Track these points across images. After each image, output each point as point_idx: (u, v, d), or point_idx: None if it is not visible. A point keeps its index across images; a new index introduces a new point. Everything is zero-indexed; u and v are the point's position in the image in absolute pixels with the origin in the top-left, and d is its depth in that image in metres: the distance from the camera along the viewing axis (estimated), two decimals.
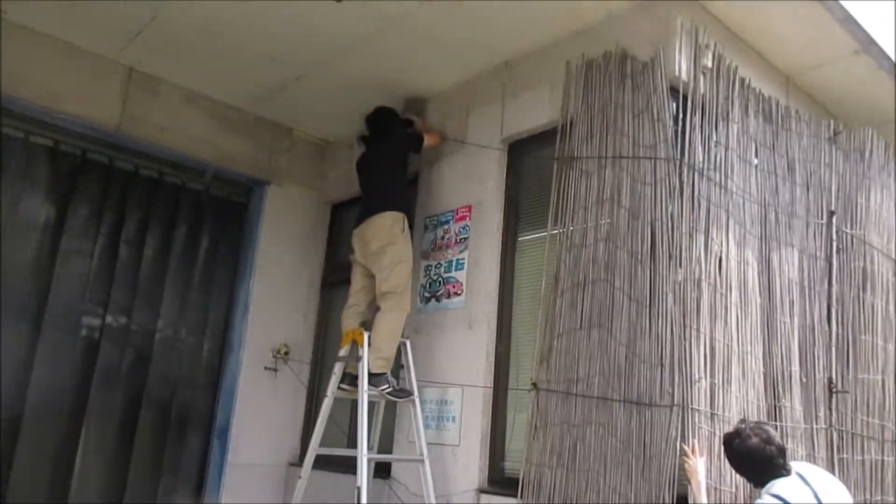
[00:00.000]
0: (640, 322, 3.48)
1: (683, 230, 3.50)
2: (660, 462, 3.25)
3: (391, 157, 4.73)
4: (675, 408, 3.28)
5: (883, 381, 4.43)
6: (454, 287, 4.56)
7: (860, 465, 4.13)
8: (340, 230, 5.96)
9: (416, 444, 4.23)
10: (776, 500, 2.82)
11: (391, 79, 5.05)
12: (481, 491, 4.10)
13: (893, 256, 4.74)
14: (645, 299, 3.49)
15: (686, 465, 3.16)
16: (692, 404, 3.28)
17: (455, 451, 4.29)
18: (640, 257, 3.55)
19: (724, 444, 2.99)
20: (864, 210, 4.52)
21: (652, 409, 3.34)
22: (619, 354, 3.53)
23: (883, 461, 4.33)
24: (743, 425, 2.96)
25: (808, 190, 4.28)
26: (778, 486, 2.85)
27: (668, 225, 3.51)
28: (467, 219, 4.62)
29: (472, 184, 4.68)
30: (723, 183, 3.72)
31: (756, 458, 2.87)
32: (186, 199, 5.70)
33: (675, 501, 3.17)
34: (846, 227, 4.40)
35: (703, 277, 3.49)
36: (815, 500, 2.84)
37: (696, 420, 3.29)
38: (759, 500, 2.89)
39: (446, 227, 4.76)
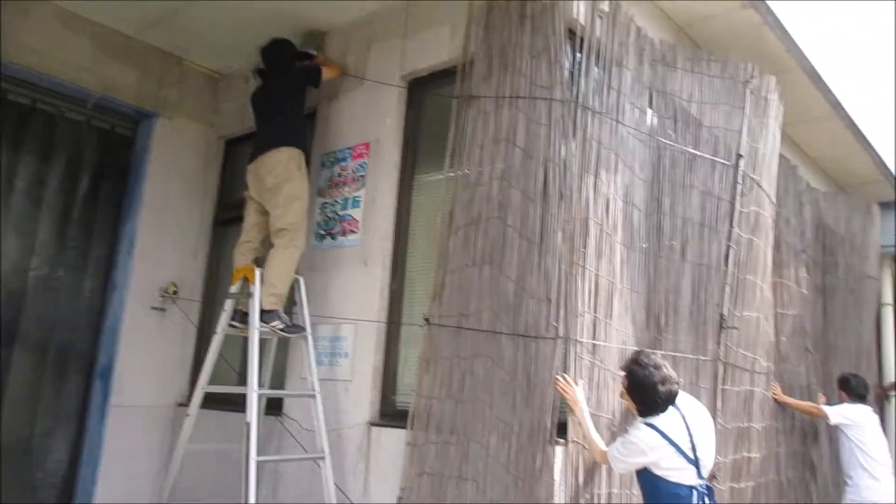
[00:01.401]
0: (530, 259, 3.58)
1: (574, 171, 3.60)
2: (543, 391, 3.39)
3: (288, 91, 4.59)
4: (559, 340, 3.42)
5: (758, 318, 4.77)
6: (350, 225, 4.53)
7: (736, 395, 4.46)
8: (234, 167, 5.77)
9: (308, 379, 4.23)
10: (650, 429, 3.05)
11: (289, 10, 4.87)
12: (372, 424, 4.16)
13: (774, 201, 5.06)
14: (535, 237, 3.59)
15: (566, 396, 3.31)
16: (575, 337, 3.44)
17: (347, 386, 4.33)
18: (532, 196, 3.64)
19: (629, 370, 3.14)
20: (762, 156, 4.77)
21: (538, 342, 3.47)
22: (509, 290, 3.63)
23: (752, 391, 4.70)
24: (647, 359, 3.11)
25: (716, 133, 4.45)
26: (659, 420, 3.07)
27: (560, 166, 3.61)
28: (365, 156, 4.58)
29: (371, 121, 4.62)
30: (614, 127, 3.84)
31: (653, 393, 3.05)
32: (65, 129, 5.34)
33: (556, 427, 3.32)
34: (750, 172, 4.62)
35: (591, 217, 3.62)
36: (687, 433, 3.09)
37: (579, 352, 3.44)
38: (634, 430, 3.12)
39: (343, 164, 4.70)
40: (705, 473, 3.11)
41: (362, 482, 4.10)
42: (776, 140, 5.06)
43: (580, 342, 3.46)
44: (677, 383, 3.12)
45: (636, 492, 3.68)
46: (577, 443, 3.37)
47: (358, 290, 4.41)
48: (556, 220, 3.56)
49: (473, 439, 3.59)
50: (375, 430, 4.13)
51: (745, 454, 4.58)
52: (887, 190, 7.40)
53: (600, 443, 3.29)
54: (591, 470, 3.44)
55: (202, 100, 5.89)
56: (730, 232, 4.36)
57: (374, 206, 4.47)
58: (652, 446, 3.03)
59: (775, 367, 5.47)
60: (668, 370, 3.11)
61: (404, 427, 3.86)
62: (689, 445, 3.08)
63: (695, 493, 3.03)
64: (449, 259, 3.89)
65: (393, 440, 4.00)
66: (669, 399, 3.09)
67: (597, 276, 3.62)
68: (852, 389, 5.69)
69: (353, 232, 4.51)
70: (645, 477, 3.11)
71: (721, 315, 4.26)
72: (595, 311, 3.59)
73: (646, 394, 3.08)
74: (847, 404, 5.62)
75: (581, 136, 3.66)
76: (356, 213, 4.52)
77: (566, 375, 3.34)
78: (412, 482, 3.77)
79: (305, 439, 4.36)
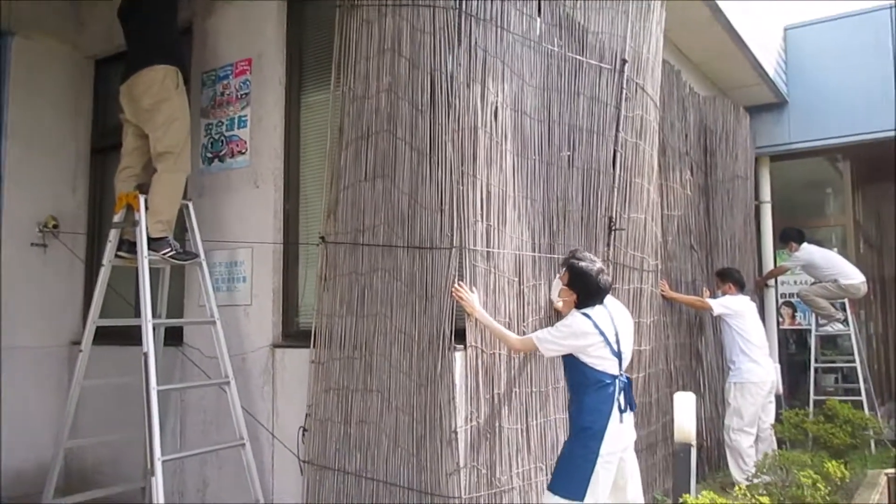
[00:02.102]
0: (422, 170, 3.59)
1: (461, 80, 3.57)
2: (440, 300, 3.46)
3: (157, 3, 4.29)
4: (453, 250, 3.48)
5: (645, 219, 4.98)
6: (238, 146, 4.38)
7: (627, 293, 4.69)
8: (108, 90, 5.40)
9: (207, 306, 4.16)
10: (584, 317, 3.27)
11: None
12: (275, 346, 4.16)
13: (657, 105, 5.22)
14: (425, 148, 3.58)
15: (463, 304, 3.40)
16: (469, 245, 3.50)
17: (248, 310, 4.29)
18: (420, 108, 3.61)
19: (569, 265, 3.38)
20: (645, 61, 4.86)
21: (433, 252, 3.52)
22: (403, 203, 3.64)
23: (640, 289, 4.95)
24: (583, 254, 3.43)
25: (601, 39, 4.48)
26: (591, 311, 3.30)
27: (446, 75, 3.57)
28: (247, 73, 4.39)
29: (251, 35, 4.41)
30: (500, 34, 3.81)
31: (594, 281, 3.31)
32: None
33: (454, 334, 3.42)
34: (634, 77, 4.71)
35: (480, 126, 3.63)
36: (613, 327, 3.30)
37: (473, 260, 3.52)
38: (569, 317, 3.32)
39: (225, 82, 4.49)
40: (625, 365, 3.37)
41: (270, 403, 4.13)
42: (659, 45, 5.17)
43: (474, 250, 3.53)
44: (608, 280, 3.38)
45: (535, 389, 3.89)
46: (476, 347, 3.48)
47: (251, 213, 4.31)
48: (445, 130, 3.54)
49: (376, 352, 3.65)
50: (279, 351, 4.13)
51: (637, 347, 4.87)
52: (766, 93, 7.76)
53: (513, 334, 3.50)
54: (491, 372, 3.58)
55: (62, 16, 5.42)
56: (616, 137, 4.47)
57: (261, 125, 4.32)
58: (584, 331, 3.22)
59: (663, 265, 5.78)
60: (604, 269, 3.37)
61: (308, 346, 3.89)
62: (615, 339, 3.31)
63: (617, 382, 3.27)
64: (341, 175, 3.85)
65: (297, 360, 4.03)
66: (606, 289, 3.36)
67: (488, 184, 3.66)
68: (731, 281, 6.11)
69: (241, 153, 4.36)
70: (573, 365, 3.31)
71: (610, 218, 4.42)
72: (488, 220, 3.65)
73: (588, 282, 3.32)
74: (728, 296, 6.05)
75: (467, 45, 3.61)
76: (243, 134, 4.37)
77: (462, 283, 3.41)
78: (318, 398, 3.83)
79: (210, 367, 4.32)
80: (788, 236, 7.51)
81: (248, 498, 3.96)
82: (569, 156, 4.23)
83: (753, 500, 3.15)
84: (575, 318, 3.29)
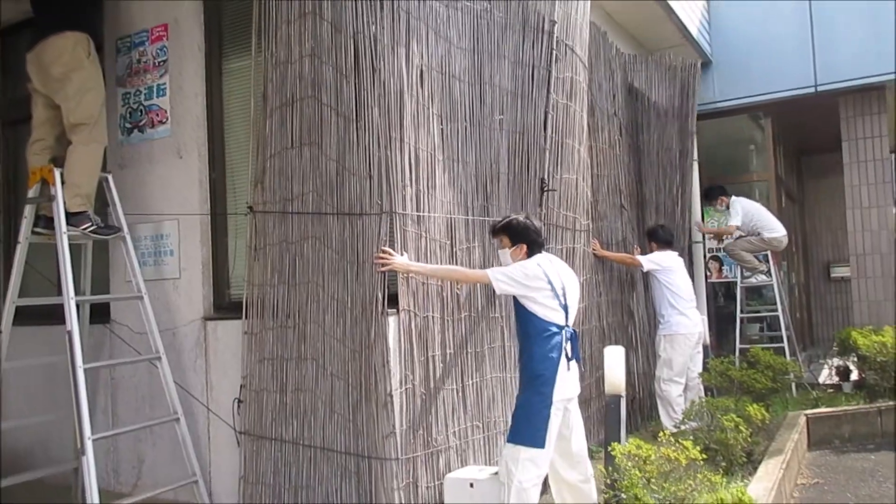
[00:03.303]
0: (349, 136, 3.56)
1: (385, 43, 3.53)
2: (372, 266, 3.47)
3: None
4: (383, 215, 3.48)
5: (577, 180, 5.06)
6: (158, 115, 4.24)
7: (559, 252, 4.77)
8: (16, 58, 5.13)
9: (133, 281, 4.06)
10: (535, 264, 3.38)
11: None
12: (207, 318, 4.11)
13: (586, 65, 5.27)
14: (351, 114, 3.54)
15: (392, 268, 3.41)
16: (399, 210, 3.50)
17: (176, 283, 4.21)
18: (344, 72, 3.56)
19: (518, 222, 3.51)
20: (573, 22, 4.88)
21: (363, 218, 3.51)
22: (331, 169, 3.60)
23: (574, 248, 5.05)
24: (516, 214, 3.61)
25: (529, 1, 4.47)
26: (540, 258, 3.44)
27: (370, 38, 3.52)
28: (164, 39, 4.24)
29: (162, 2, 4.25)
30: None
31: (534, 231, 3.50)
32: None
33: (387, 298, 3.44)
34: (564, 38, 4.72)
35: (406, 90, 3.60)
36: (560, 281, 3.41)
37: (403, 224, 3.52)
38: (526, 261, 3.41)
39: (141, 49, 4.33)
40: (571, 320, 3.47)
41: (203, 376, 4.09)
42: (586, 6, 5.21)
43: (404, 215, 3.54)
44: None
45: (471, 349, 3.95)
46: (409, 311, 3.51)
47: (175, 184, 4.20)
48: (370, 95, 3.51)
49: (309, 320, 3.65)
50: (211, 324, 4.08)
51: None
52: (691, 53, 7.91)
53: (465, 268, 3.65)
54: (425, 334, 3.62)
55: None
56: (547, 98, 4.51)
57: (181, 93, 4.19)
58: (537, 276, 3.34)
59: (594, 224, 5.91)
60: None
61: (240, 318, 3.85)
62: (562, 292, 3.42)
63: (564, 332, 3.38)
64: (267, 144, 3.78)
65: (230, 332, 3.99)
66: (543, 240, 3.53)
67: (416, 148, 3.66)
68: (660, 238, 6.29)
69: (161, 123, 4.23)
70: (524, 315, 3.39)
71: (542, 179, 4.48)
72: (417, 184, 3.65)
73: (529, 233, 3.48)
74: (657, 252, 6.23)
75: (390, 7, 3.56)
76: (163, 103, 4.23)
77: (386, 248, 3.41)
78: (253, 369, 3.82)
79: (141, 343, 4.24)
80: (716, 192, 7.72)
81: (185, 473, 3.93)
82: (501, 119, 4.25)
83: (676, 445, 3.30)
84: (530, 262, 3.41)
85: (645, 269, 6.15)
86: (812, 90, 7.73)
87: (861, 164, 7.90)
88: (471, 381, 3.92)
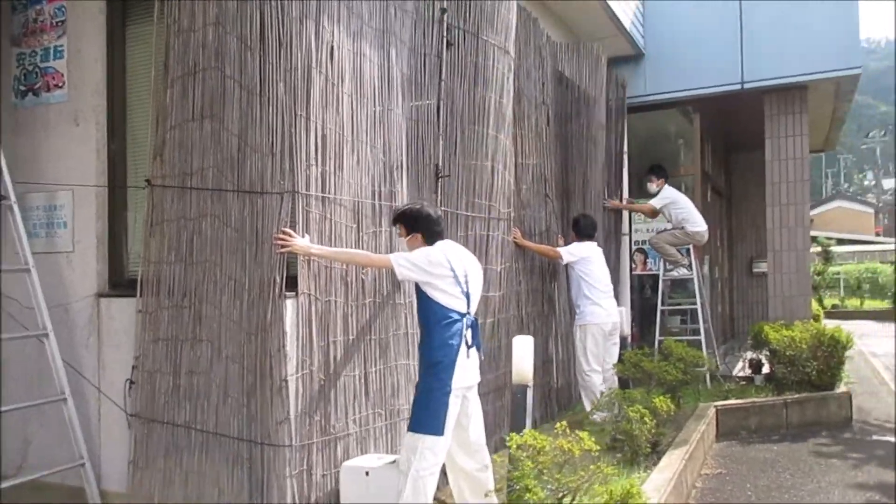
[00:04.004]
0: (252, 111, 3.42)
1: (294, 15, 3.40)
2: (272, 247, 3.35)
3: None
4: (285, 195, 3.36)
5: (492, 167, 5.01)
6: (54, 78, 4.01)
7: (462, 239, 4.72)
8: None
9: (21, 254, 3.83)
10: (437, 249, 3.35)
11: None
12: (101, 295, 3.93)
13: (511, 53, 5.21)
14: (255, 87, 3.41)
15: (293, 249, 3.31)
16: (302, 190, 3.39)
17: (70, 257, 4.01)
18: (249, 44, 3.41)
19: (415, 210, 3.48)
20: (487, 7, 4.81)
21: (263, 197, 3.39)
22: (232, 145, 3.47)
23: (488, 236, 5.01)
24: (413, 202, 3.62)
25: None
26: (443, 245, 3.41)
27: (277, 10, 3.38)
28: None
29: None
30: None
31: (432, 219, 3.45)
32: None
33: (285, 280, 3.33)
34: (460, 24, 4.66)
35: (314, 66, 3.48)
36: (463, 268, 3.38)
37: (306, 205, 3.41)
38: (428, 248, 3.36)
39: (38, 7, 4.07)
40: (473, 308, 3.44)
41: (95, 355, 3.91)
42: None
43: (308, 195, 3.43)
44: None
45: (375, 336, 3.88)
46: (309, 294, 3.41)
47: (72, 153, 3.99)
48: (276, 69, 3.38)
49: (206, 300, 3.52)
50: (105, 301, 3.90)
51: (485, 293, 4.95)
52: (624, 45, 7.96)
53: (367, 252, 3.57)
54: (326, 319, 3.53)
55: None
56: (439, 85, 4.45)
57: (80, 56, 3.97)
58: (439, 262, 3.30)
59: (517, 213, 5.89)
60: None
61: (134, 296, 3.69)
62: (464, 279, 3.39)
63: (464, 319, 3.35)
64: (167, 115, 3.61)
65: (125, 310, 3.83)
66: (443, 227, 3.50)
67: (324, 127, 3.54)
68: (581, 230, 6.34)
69: (58, 87, 4.00)
70: (425, 301, 3.35)
71: (436, 165, 4.43)
72: (323, 164, 3.54)
73: (423, 222, 3.43)
74: (576, 243, 6.28)
75: None
76: (60, 66, 4.00)
77: (287, 230, 3.30)
78: (146, 349, 3.67)
79: (30, 319, 4.01)
80: (661, 171, 7.70)
81: (73, 455, 3.76)
82: (399, 102, 4.15)
83: (572, 436, 3.31)
84: (434, 249, 3.38)
85: (564, 262, 6.19)
86: (739, 87, 7.87)
87: (782, 161, 8.10)
88: (374, 368, 3.85)
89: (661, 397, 4.78)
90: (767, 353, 7.29)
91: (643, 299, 8.99)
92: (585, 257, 6.15)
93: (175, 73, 3.57)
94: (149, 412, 3.62)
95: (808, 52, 7.56)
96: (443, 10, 4.53)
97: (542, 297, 6.37)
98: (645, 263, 8.99)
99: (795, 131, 8.05)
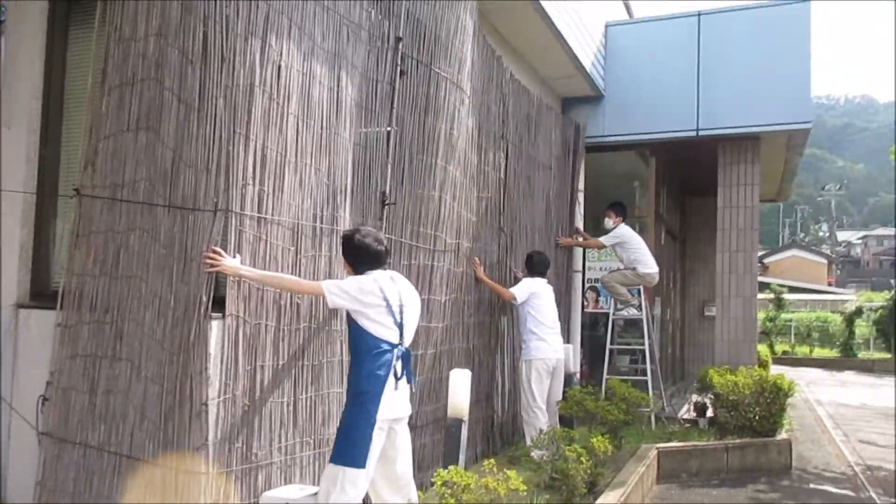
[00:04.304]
0: (189, 125, 3.33)
1: (239, 32, 3.34)
2: (200, 265, 3.25)
3: None
4: (218, 212, 3.27)
5: (440, 197, 4.98)
6: None
7: (406, 269, 4.66)
8: None
9: None
10: (369, 278, 3.27)
11: None
12: (20, 306, 3.76)
13: (464, 87, 5.23)
14: (194, 102, 3.33)
15: (221, 269, 3.20)
16: (236, 209, 3.30)
17: None
18: (191, 57, 3.34)
19: (347, 237, 3.42)
20: (441, 39, 4.82)
21: (195, 214, 3.29)
22: (166, 158, 3.37)
23: (432, 266, 4.96)
24: (358, 227, 3.46)
25: (375, 13, 4.38)
26: (377, 275, 3.31)
27: (222, 25, 3.33)
28: None
29: None
30: None
31: (369, 253, 3.35)
32: None
33: (212, 301, 3.22)
34: (413, 53, 4.67)
35: (258, 84, 3.42)
36: (398, 298, 3.31)
37: (240, 224, 3.32)
38: (360, 276, 3.30)
39: None
40: (407, 339, 3.37)
41: (10, 368, 3.73)
42: (464, 27, 5.18)
43: (242, 214, 3.34)
44: (385, 244, 3.44)
45: (308, 361, 3.78)
46: (237, 316, 3.30)
47: (1, 157, 3.83)
48: (216, 84, 3.31)
49: (128, 317, 3.38)
50: (24, 312, 3.75)
51: (426, 324, 4.89)
52: (584, 85, 8.07)
53: (298, 278, 3.46)
54: (255, 343, 3.42)
55: None
56: (391, 112, 4.44)
57: (17, 57, 3.85)
58: (371, 290, 3.23)
59: (470, 244, 5.86)
60: (378, 235, 3.44)
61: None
62: (399, 309, 3.31)
63: (395, 350, 3.27)
64: (102, 123, 3.51)
65: (45, 322, 3.67)
66: (379, 258, 3.38)
67: (264, 147, 3.47)
68: (534, 266, 6.36)
69: None
70: (356, 330, 3.27)
71: (383, 193, 4.39)
72: (261, 184, 3.46)
73: (354, 250, 3.37)
74: (527, 279, 6.29)
75: None
76: None
77: (217, 248, 3.20)
78: (63, 365, 3.51)
79: None
80: (620, 208, 7.75)
81: None
82: (347, 127, 4.11)
83: (500, 474, 3.23)
84: (366, 277, 3.32)
85: (518, 302, 6.18)
86: (694, 133, 8.02)
87: (733, 209, 8.25)
88: (305, 395, 3.74)
89: (599, 437, 4.74)
90: (712, 396, 7.32)
91: (594, 337, 9.01)
92: (535, 293, 6.15)
93: (113, 82, 3.48)
94: (61, 431, 3.45)
95: (761, 105, 7.75)
96: (398, 39, 4.53)
97: (489, 330, 6.32)
98: (597, 301, 9.03)
99: (747, 180, 8.21)
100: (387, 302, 3.27)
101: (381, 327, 3.26)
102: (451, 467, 3.22)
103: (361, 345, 3.27)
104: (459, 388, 4.14)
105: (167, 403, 3.23)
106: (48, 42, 3.84)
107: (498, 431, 6.37)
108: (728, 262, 8.27)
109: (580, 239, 8.35)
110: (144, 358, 3.32)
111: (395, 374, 3.25)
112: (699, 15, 8.04)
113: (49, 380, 3.50)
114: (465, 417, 4.13)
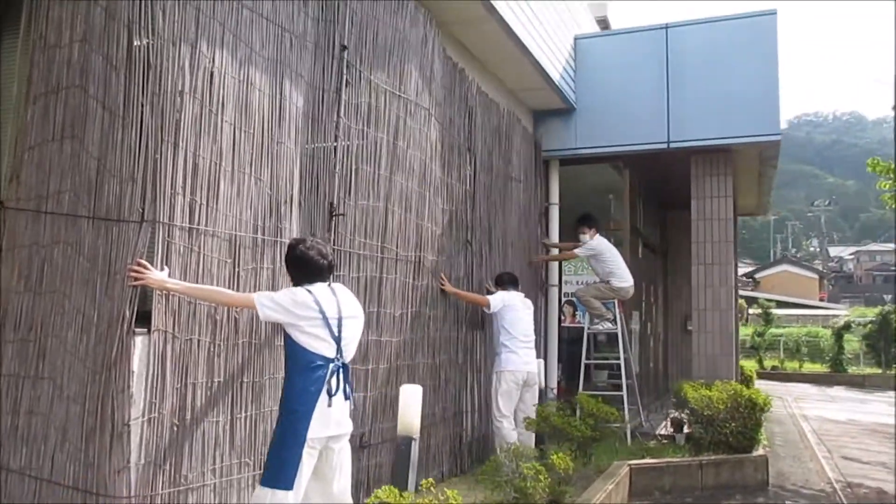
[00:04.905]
0: (113, 133, 3.22)
1: (165, 38, 3.24)
2: (124, 278, 3.12)
3: None
4: (144, 223, 3.14)
5: (387, 207, 4.87)
6: None
7: (356, 280, 4.54)
8: None
9: None
10: (304, 290, 3.16)
11: None
12: None
13: (409, 97, 5.15)
14: (118, 109, 3.21)
15: (147, 282, 3.07)
16: (164, 219, 3.18)
17: None
18: (115, 63, 3.23)
19: (290, 247, 3.34)
20: (373, 47, 4.75)
21: (120, 225, 3.17)
22: (91, 168, 3.25)
23: (381, 277, 4.83)
24: (310, 239, 3.39)
25: (319, 21, 4.30)
26: (314, 287, 3.19)
27: (147, 30, 3.23)
28: None
29: None
30: None
31: (309, 265, 3.24)
32: None
33: (135, 316, 3.08)
34: (357, 63, 4.58)
35: (187, 91, 3.31)
36: (337, 311, 3.20)
37: (167, 235, 3.20)
38: (295, 288, 3.20)
39: None
40: (346, 354, 3.24)
41: None
42: (405, 35, 5.12)
43: (171, 225, 3.22)
44: (330, 258, 3.32)
45: (248, 379, 3.64)
46: (164, 332, 3.17)
47: None
48: (142, 91, 3.20)
49: (51, 334, 3.24)
50: None
51: (376, 338, 4.75)
52: (554, 98, 8.00)
53: (230, 291, 3.33)
54: (186, 359, 3.28)
55: None
56: (337, 122, 4.35)
57: None
58: (305, 303, 3.11)
59: (435, 257, 5.75)
60: (324, 248, 3.33)
61: None
62: (336, 322, 3.18)
63: (331, 365, 3.14)
64: (27, 133, 3.39)
65: None
66: (320, 270, 3.27)
67: (196, 155, 3.36)
68: (504, 283, 6.33)
69: None
70: (290, 345, 3.16)
71: (331, 203, 4.28)
72: (193, 194, 3.34)
73: (298, 262, 3.27)
74: (501, 291, 6.22)
75: (174, 2, 3.28)
76: None
77: (142, 261, 3.07)
78: None
79: None
80: (591, 220, 7.66)
81: None
82: (293, 137, 4.01)
83: (441, 494, 3.08)
84: (300, 289, 3.21)
85: (492, 310, 6.11)
86: (665, 146, 7.94)
87: (707, 221, 8.16)
88: (244, 414, 3.60)
89: (558, 454, 4.58)
90: (688, 412, 7.18)
91: (571, 352, 8.86)
92: (508, 305, 6.12)
93: (38, 90, 3.37)
94: None
95: (730, 117, 7.69)
96: (343, 48, 4.45)
97: (457, 344, 6.18)
98: (574, 316, 8.90)
99: (720, 192, 8.13)
100: (323, 314, 3.15)
101: (315, 340, 3.13)
102: (385, 487, 3.06)
103: (295, 359, 3.15)
104: (410, 404, 4.00)
105: (89, 424, 3.08)
106: None
107: (467, 449, 6.21)
108: (704, 274, 8.17)
109: (554, 252, 8.26)
110: (67, 377, 3.17)
111: (329, 391, 3.11)
112: (666, 27, 8.00)
113: None
114: (416, 435, 3.97)
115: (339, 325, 3.21)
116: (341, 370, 3.19)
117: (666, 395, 11.61)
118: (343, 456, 3.25)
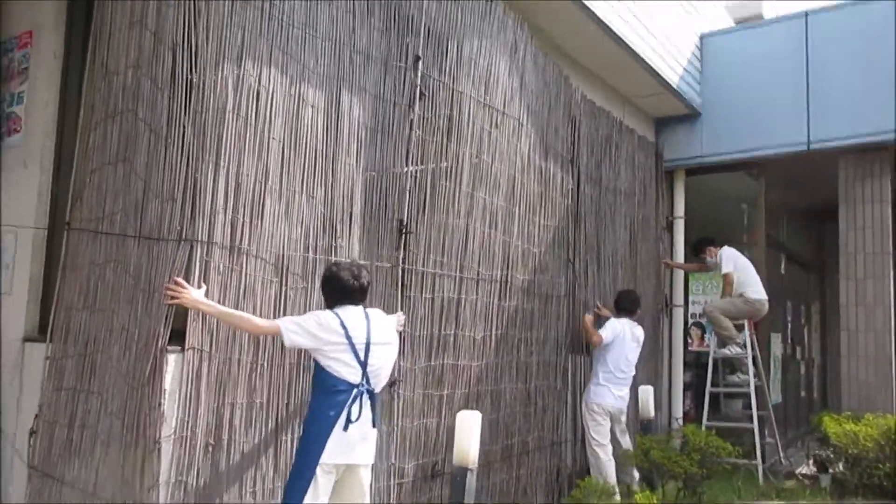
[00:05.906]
0: (157, 154, 3.27)
1: (208, 56, 3.26)
2: (161, 296, 3.14)
3: None
4: (182, 242, 3.16)
5: (468, 224, 4.65)
6: (14, 123, 4.09)
7: (429, 301, 4.35)
8: None
9: None
10: (332, 313, 3.12)
11: None
12: (27, 339, 3.85)
13: (496, 107, 4.90)
14: (162, 129, 3.27)
15: (182, 301, 3.07)
16: (203, 238, 3.18)
17: (6, 299, 3.97)
18: (160, 84, 3.30)
19: (327, 268, 3.32)
20: (456, 57, 4.56)
21: (160, 244, 3.20)
22: (138, 189, 3.33)
23: (460, 298, 4.60)
24: (338, 262, 3.37)
25: (389, 33, 4.19)
26: (342, 309, 3.14)
27: (190, 51, 3.25)
28: (29, 46, 4.09)
29: (31, 6, 4.11)
30: (264, 11, 3.49)
31: (337, 286, 3.20)
32: None
33: (171, 333, 3.09)
34: (434, 74, 4.42)
35: (230, 109, 3.30)
36: (366, 336, 3.12)
37: (206, 254, 3.19)
38: (322, 311, 3.16)
39: (10, 55, 4.19)
40: (375, 381, 3.16)
41: (16, 400, 3.81)
42: (501, 42, 4.88)
43: (212, 244, 3.21)
44: (363, 279, 3.22)
45: (293, 402, 3.56)
46: (199, 350, 3.15)
47: (18, 195, 4.01)
48: (184, 111, 3.23)
49: (101, 350, 3.34)
50: (30, 345, 3.82)
51: (454, 362, 4.53)
52: (675, 103, 7.41)
53: (257, 318, 3.22)
54: (224, 378, 3.25)
55: None
56: (410, 136, 4.18)
57: (35, 100, 4.02)
58: (330, 327, 3.08)
59: (532, 277, 5.45)
60: (356, 269, 3.23)
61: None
62: (364, 348, 3.11)
63: (354, 391, 3.06)
64: (89, 158, 3.55)
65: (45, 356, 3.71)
66: (349, 290, 3.20)
67: (238, 173, 3.34)
68: (621, 306, 6.02)
69: (16, 131, 4.08)
70: (316, 366, 3.13)
71: (400, 221, 4.11)
72: (235, 212, 3.33)
73: (330, 285, 3.24)
74: (614, 320, 5.85)
75: (218, 21, 3.29)
76: (20, 111, 4.08)
77: (180, 280, 3.08)
78: (50, 398, 3.53)
79: None
80: (704, 243, 7.13)
81: None
82: (355, 153, 3.89)
83: None
84: (321, 312, 3.16)
85: (604, 343, 5.73)
86: (804, 147, 7.08)
87: (858, 230, 7.15)
88: (289, 437, 3.51)
89: (645, 493, 4.11)
90: (831, 449, 6.28)
91: (700, 378, 8.11)
92: (619, 338, 5.77)
93: (99, 116, 3.52)
94: (45, 466, 3.45)
95: (885, 111, 6.68)
96: (417, 58, 4.30)
97: (556, 370, 5.81)
98: (702, 339, 8.13)
99: (875, 197, 7.10)
100: (349, 339, 3.05)
101: (339, 365, 3.03)
102: None
103: (318, 381, 3.08)
104: (466, 432, 3.74)
105: (126, 440, 3.12)
106: (63, 84, 4.00)
107: (566, 482, 5.81)
108: (854, 291, 7.15)
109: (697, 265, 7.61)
110: (112, 392, 3.25)
111: (350, 417, 2.96)
112: (806, 15, 7.14)
113: (37, 413, 3.53)
114: (472, 466, 3.71)
115: (367, 351, 3.11)
116: (366, 396, 3.05)
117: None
118: (361, 486, 3.15)
